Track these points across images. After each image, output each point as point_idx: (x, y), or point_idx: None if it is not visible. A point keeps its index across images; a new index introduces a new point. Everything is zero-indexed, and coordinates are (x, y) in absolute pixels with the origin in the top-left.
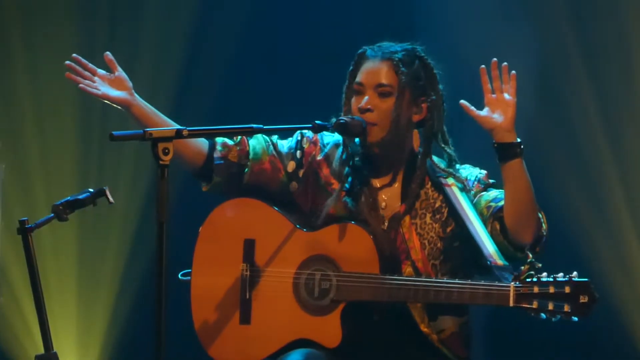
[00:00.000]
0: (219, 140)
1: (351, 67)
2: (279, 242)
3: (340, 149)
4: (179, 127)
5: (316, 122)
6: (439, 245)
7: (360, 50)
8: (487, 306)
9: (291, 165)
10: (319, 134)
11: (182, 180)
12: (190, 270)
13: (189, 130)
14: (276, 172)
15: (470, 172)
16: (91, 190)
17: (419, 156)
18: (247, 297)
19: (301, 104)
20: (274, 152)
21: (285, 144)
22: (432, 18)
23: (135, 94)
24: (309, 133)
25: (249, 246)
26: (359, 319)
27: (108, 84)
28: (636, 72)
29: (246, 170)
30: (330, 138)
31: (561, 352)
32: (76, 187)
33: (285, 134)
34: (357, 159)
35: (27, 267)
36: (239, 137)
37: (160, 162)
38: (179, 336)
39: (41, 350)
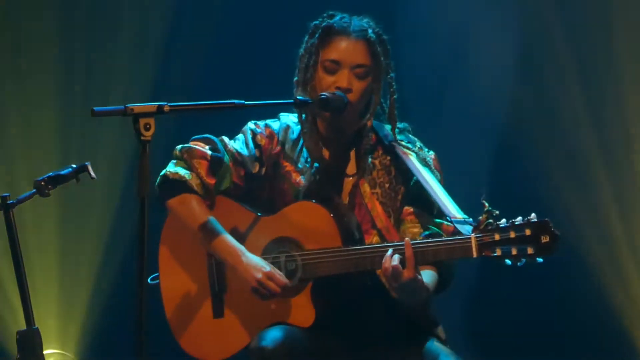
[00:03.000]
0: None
1: (315, 41)
2: (240, 231)
3: (291, 131)
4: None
5: (298, 97)
6: (402, 212)
7: (323, 24)
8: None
9: (256, 167)
10: (268, 123)
11: (163, 156)
12: (157, 274)
13: (170, 106)
14: (247, 179)
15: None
16: (73, 165)
17: (365, 128)
18: (217, 290)
19: (282, 80)
20: (238, 167)
21: (242, 147)
22: (412, 1)
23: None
24: (259, 128)
25: None
26: (330, 294)
27: None
28: (618, 52)
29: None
30: (277, 124)
31: (553, 351)
32: (58, 162)
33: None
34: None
35: (9, 243)
36: (205, 188)
37: (142, 138)
38: (162, 312)
39: (23, 326)
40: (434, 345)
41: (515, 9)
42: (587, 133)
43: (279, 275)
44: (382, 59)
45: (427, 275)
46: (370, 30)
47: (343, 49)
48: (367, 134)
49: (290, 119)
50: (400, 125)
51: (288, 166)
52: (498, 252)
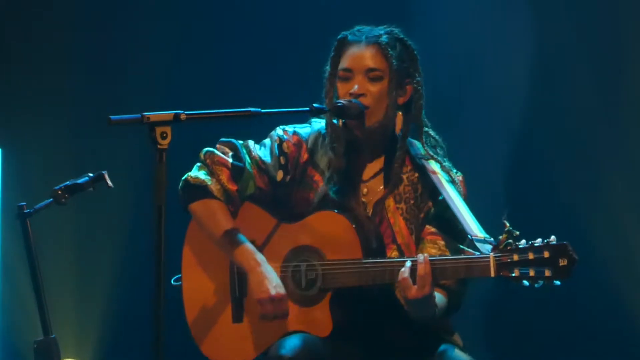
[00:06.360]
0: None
1: (332, 54)
2: (263, 238)
3: (322, 138)
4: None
5: (314, 105)
6: (423, 230)
7: (339, 36)
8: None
9: (280, 175)
10: (297, 130)
11: (181, 164)
12: (180, 275)
13: (186, 114)
14: (272, 185)
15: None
16: (90, 174)
17: (400, 139)
18: (237, 295)
19: (298, 88)
20: (262, 174)
21: (266, 154)
22: (428, 5)
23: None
24: (286, 135)
25: None
26: (349, 305)
27: None
28: (634, 64)
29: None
30: (307, 130)
31: (562, 347)
32: (74, 171)
33: (266, 132)
34: (336, 145)
35: (26, 251)
36: (227, 194)
37: (158, 147)
38: (178, 321)
39: (40, 335)
40: (453, 352)
41: (532, 23)
42: (608, 154)
43: (285, 303)
44: (394, 62)
45: (436, 298)
46: (385, 36)
47: (354, 56)
48: (402, 145)
49: (322, 125)
50: (436, 136)
51: (316, 175)
52: (516, 273)
